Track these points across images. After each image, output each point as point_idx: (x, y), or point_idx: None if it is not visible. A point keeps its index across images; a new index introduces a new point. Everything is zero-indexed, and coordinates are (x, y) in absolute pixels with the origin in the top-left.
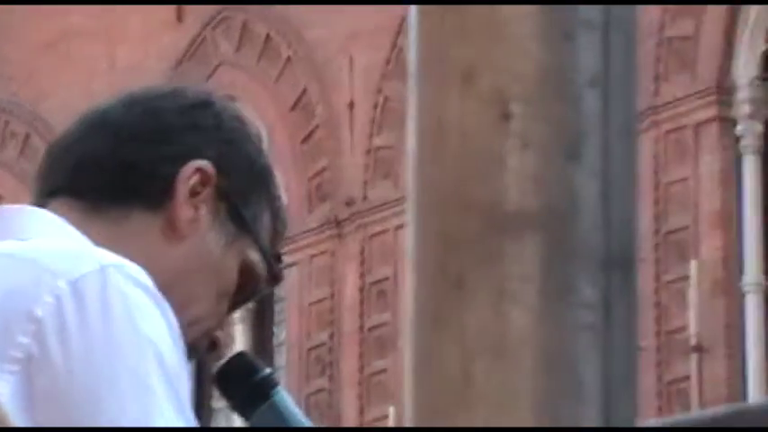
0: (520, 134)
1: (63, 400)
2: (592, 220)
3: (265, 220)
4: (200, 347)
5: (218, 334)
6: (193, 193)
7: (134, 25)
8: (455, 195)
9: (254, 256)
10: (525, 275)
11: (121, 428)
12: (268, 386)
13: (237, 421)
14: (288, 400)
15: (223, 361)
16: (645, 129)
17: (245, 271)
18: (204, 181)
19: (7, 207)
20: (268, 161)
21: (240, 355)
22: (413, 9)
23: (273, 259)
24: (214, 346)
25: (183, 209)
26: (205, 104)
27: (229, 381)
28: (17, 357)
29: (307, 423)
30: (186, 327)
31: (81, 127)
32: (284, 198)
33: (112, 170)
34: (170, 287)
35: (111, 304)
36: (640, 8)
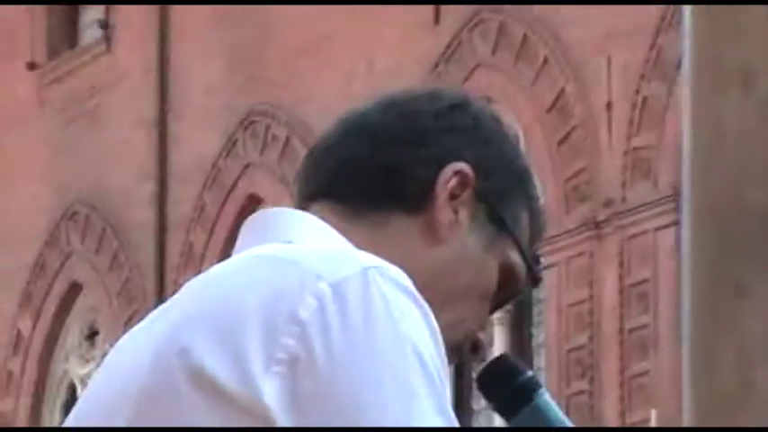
0: None
1: (326, 402)
2: None
3: (524, 220)
4: (461, 349)
5: (480, 336)
6: (453, 197)
7: (391, 29)
8: (732, 199)
9: (515, 257)
10: None
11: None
12: (531, 388)
13: (498, 421)
14: (551, 403)
15: (485, 363)
16: None
17: (505, 272)
18: (464, 183)
19: (271, 210)
20: (526, 162)
21: (502, 357)
22: (685, 10)
23: (533, 260)
24: (476, 347)
25: (443, 212)
26: (462, 105)
27: (492, 383)
28: (282, 358)
29: (569, 425)
30: (447, 329)
31: (340, 131)
32: (542, 199)
33: (372, 174)
34: (430, 289)
35: (372, 306)
36: None
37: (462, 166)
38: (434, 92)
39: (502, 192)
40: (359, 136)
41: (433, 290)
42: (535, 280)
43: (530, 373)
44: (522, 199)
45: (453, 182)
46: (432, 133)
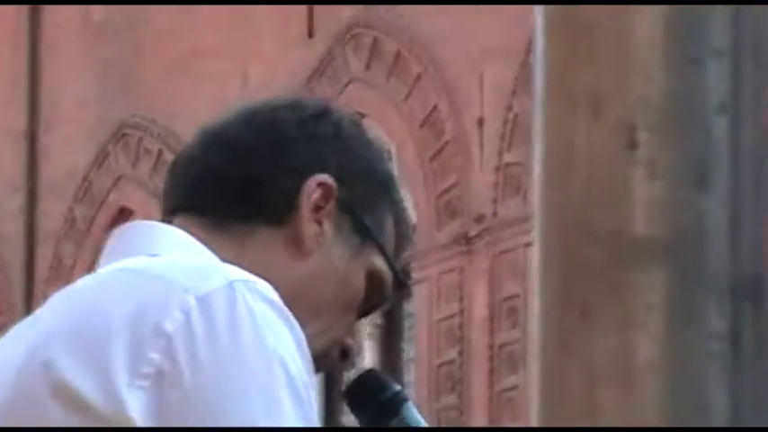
0: (647, 162)
1: (191, 415)
2: (720, 248)
3: (389, 225)
4: (329, 357)
5: (349, 342)
6: (316, 209)
7: (266, 43)
8: (582, 223)
9: (380, 263)
10: (652, 304)
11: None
12: (397, 403)
13: None
14: (417, 417)
15: (352, 378)
16: None
17: (372, 279)
18: (327, 195)
19: (136, 223)
20: (389, 166)
21: (369, 372)
22: (539, 33)
23: (400, 266)
24: (345, 354)
25: (307, 225)
26: (323, 115)
27: (359, 397)
28: (148, 373)
29: None
30: (313, 338)
31: (200, 143)
32: (413, 213)
33: (233, 186)
34: (296, 301)
35: (239, 319)
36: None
37: (325, 177)
38: (295, 102)
39: (365, 200)
40: (219, 148)
41: (299, 301)
42: (402, 285)
43: (397, 387)
44: (387, 204)
45: (317, 194)
46: (293, 143)
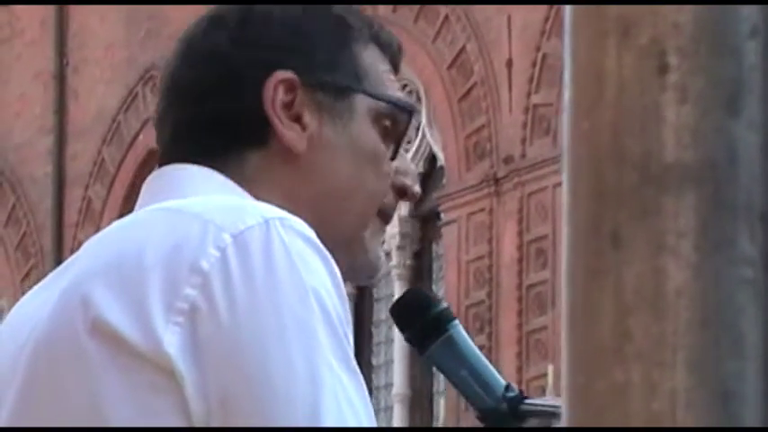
0: (678, 87)
1: (230, 351)
2: (750, 173)
3: (368, 58)
4: (387, 205)
5: (399, 180)
6: (287, 107)
7: None
8: (611, 148)
9: (377, 104)
10: (682, 230)
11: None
12: (445, 320)
13: (397, 377)
14: (464, 336)
15: (399, 296)
16: None
17: (378, 121)
18: (289, 88)
19: (171, 167)
20: (333, 8)
21: (416, 289)
22: None
23: (396, 90)
24: (402, 192)
25: (286, 131)
26: (247, 16)
27: (405, 313)
28: (183, 309)
29: (483, 359)
30: (362, 213)
31: (162, 96)
32: (441, 155)
33: (204, 131)
34: (324, 201)
35: (274, 256)
36: None
37: (278, 75)
38: (217, 17)
39: (327, 61)
40: (174, 97)
41: (326, 201)
42: (406, 108)
43: (444, 304)
44: (352, 45)
45: (279, 94)
46: (233, 62)
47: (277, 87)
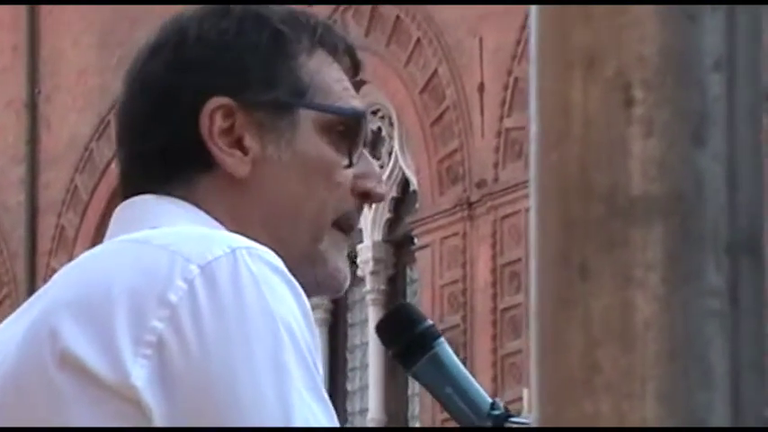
0: (644, 120)
1: (199, 383)
2: (717, 204)
3: (312, 64)
4: (347, 213)
5: (360, 184)
6: (226, 133)
7: None
8: (578, 181)
9: (321, 116)
10: (650, 262)
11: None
12: (430, 337)
13: (371, 401)
14: (450, 353)
15: (385, 312)
16: None
17: (327, 132)
18: (226, 114)
19: (139, 198)
20: (269, 21)
21: (403, 305)
22: None
23: (345, 97)
24: (365, 195)
25: (226, 157)
26: (182, 39)
27: (391, 330)
28: (151, 341)
29: (468, 376)
30: (316, 227)
31: (116, 123)
32: (414, 179)
33: (148, 160)
34: (273, 223)
35: (242, 286)
36: None
37: (212, 102)
38: (155, 44)
39: (266, 79)
40: (122, 130)
41: (277, 221)
42: (353, 113)
43: (430, 321)
44: (291, 56)
45: (217, 121)
46: (168, 90)
47: (214, 115)
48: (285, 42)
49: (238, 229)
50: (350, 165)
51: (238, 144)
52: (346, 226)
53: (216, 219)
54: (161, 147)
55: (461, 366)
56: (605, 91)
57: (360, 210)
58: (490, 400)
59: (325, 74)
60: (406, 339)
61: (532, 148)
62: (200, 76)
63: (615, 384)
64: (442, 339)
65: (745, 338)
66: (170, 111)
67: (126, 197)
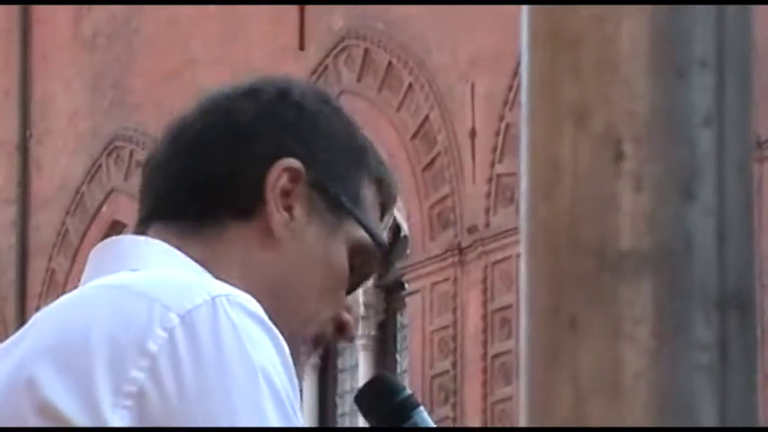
0: (633, 174)
1: None
2: (707, 259)
3: (368, 193)
4: (325, 335)
5: (345, 317)
6: (284, 194)
7: (256, 54)
8: (568, 235)
9: (361, 234)
10: (639, 316)
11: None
12: (409, 407)
13: None
14: (428, 421)
15: (364, 382)
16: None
17: (355, 251)
18: (293, 178)
19: (117, 238)
20: (360, 135)
21: (381, 375)
22: (524, 47)
23: (384, 233)
24: (342, 329)
25: (276, 214)
26: (284, 96)
27: (371, 401)
28: (131, 392)
29: None
30: (305, 323)
31: (164, 144)
32: (405, 225)
33: (198, 185)
34: (279, 291)
35: (222, 335)
36: (755, 44)
37: (289, 161)
38: (252, 88)
39: (337, 174)
40: (179, 148)
41: (284, 292)
42: (383, 250)
43: (408, 391)
44: (362, 173)
45: (283, 180)
46: (254, 134)
47: (283, 173)
48: (365, 157)
49: (239, 285)
50: (350, 291)
51: (288, 210)
52: (318, 343)
53: (220, 268)
54: (217, 174)
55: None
56: (595, 146)
57: (331, 338)
58: None
59: (373, 209)
60: (385, 409)
61: (522, 202)
62: (288, 134)
63: None
64: (421, 408)
65: (733, 392)
66: (244, 148)
67: (145, 217)
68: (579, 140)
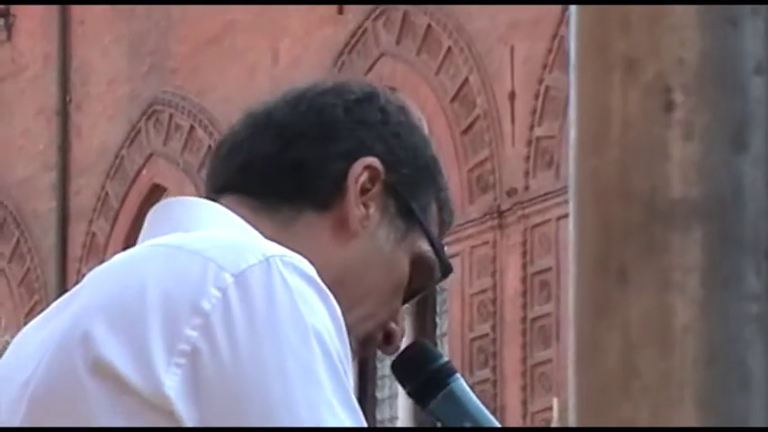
0: (683, 123)
1: (230, 393)
2: (757, 208)
3: (433, 210)
4: (373, 341)
5: (394, 327)
6: (363, 191)
7: (295, 20)
8: (618, 186)
9: (425, 247)
10: (689, 266)
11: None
12: (446, 374)
13: (401, 410)
14: (465, 389)
15: (401, 349)
16: None
17: (417, 263)
18: (373, 178)
19: (176, 199)
20: (434, 151)
21: (417, 343)
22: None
23: (442, 250)
24: (389, 338)
25: (354, 208)
26: (370, 98)
27: (407, 368)
28: (185, 350)
29: (485, 411)
30: (358, 323)
31: (248, 126)
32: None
33: (281, 170)
34: (341, 284)
35: (275, 296)
36: None
37: (372, 160)
38: (342, 85)
39: (411, 184)
40: (267, 132)
41: (344, 285)
42: (446, 270)
43: (445, 358)
44: (432, 189)
45: (364, 177)
46: (340, 128)
47: (364, 170)
48: (436, 173)
49: None
50: (404, 302)
51: (365, 207)
52: (366, 346)
53: (287, 247)
54: (301, 161)
55: (477, 401)
56: (645, 95)
57: (377, 346)
58: None
59: (434, 222)
60: (422, 377)
61: (571, 153)
62: (373, 135)
63: (653, 389)
64: (458, 375)
65: None
66: (331, 141)
67: (215, 191)
68: (628, 90)
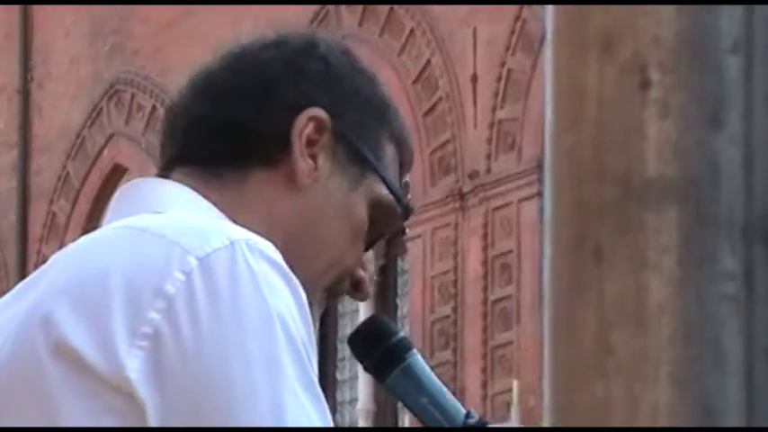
0: (659, 102)
1: (193, 377)
2: (733, 188)
3: (389, 151)
4: (340, 287)
5: (362, 274)
6: (310, 143)
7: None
8: (593, 164)
9: (382, 190)
10: (665, 245)
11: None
12: (403, 349)
13: (361, 392)
14: (423, 365)
15: (358, 324)
16: None
17: (375, 207)
18: (319, 128)
19: (139, 180)
20: (383, 91)
21: (374, 318)
22: None
23: (401, 190)
24: (358, 285)
25: (301, 161)
26: (310, 48)
27: (364, 343)
28: (147, 333)
29: (442, 387)
30: (322, 273)
31: (189, 91)
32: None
33: (224, 132)
34: (298, 238)
35: (239, 280)
36: None
37: (316, 110)
38: (280, 39)
39: (360, 129)
40: (206, 94)
41: (303, 239)
42: (406, 210)
43: (401, 334)
44: (384, 130)
45: (309, 129)
46: (280, 83)
47: (309, 122)
48: (387, 114)
49: (260, 232)
50: (366, 247)
51: (312, 159)
52: (332, 295)
53: (241, 215)
54: (243, 121)
55: (434, 377)
56: (621, 73)
57: (344, 292)
58: (465, 411)
59: (393, 166)
60: (379, 352)
61: (547, 131)
62: (315, 86)
63: (628, 367)
64: (415, 351)
65: (759, 323)
66: (272, 97)
67: (166, 162)
68: (605, 68)
